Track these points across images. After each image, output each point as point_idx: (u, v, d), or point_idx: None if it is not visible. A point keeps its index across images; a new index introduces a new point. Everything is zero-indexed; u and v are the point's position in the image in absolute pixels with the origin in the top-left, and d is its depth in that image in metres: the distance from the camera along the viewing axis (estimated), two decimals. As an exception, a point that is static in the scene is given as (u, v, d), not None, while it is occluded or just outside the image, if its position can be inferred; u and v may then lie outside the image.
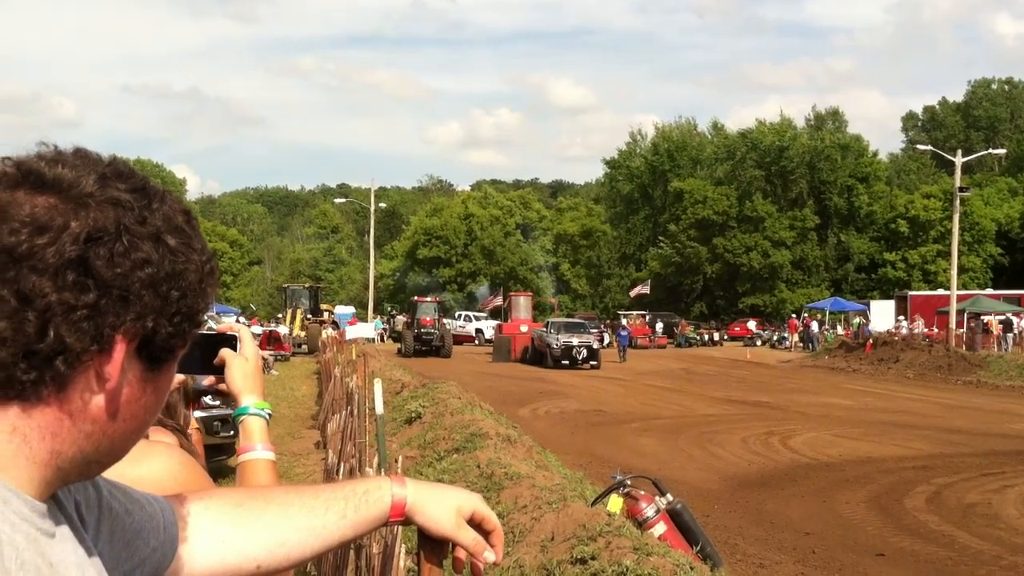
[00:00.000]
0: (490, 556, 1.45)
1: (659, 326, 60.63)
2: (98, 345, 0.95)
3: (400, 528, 3.71)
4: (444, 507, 1.44)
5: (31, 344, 0.92)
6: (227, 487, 1.67)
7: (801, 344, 53.92)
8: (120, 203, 0.97)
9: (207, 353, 1.78)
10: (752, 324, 63.41)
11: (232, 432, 8.62)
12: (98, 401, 0.97)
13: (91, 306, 0.93)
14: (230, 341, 1.79)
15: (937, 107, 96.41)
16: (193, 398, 3.22)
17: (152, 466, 1.69)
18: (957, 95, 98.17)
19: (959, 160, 44.73)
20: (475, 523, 1.46)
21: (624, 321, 58.60)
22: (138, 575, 1.19)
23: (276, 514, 1.37)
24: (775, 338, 58.69)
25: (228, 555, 1.32)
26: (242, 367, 1.81)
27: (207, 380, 1.94)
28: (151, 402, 1.05)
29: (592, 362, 38.38)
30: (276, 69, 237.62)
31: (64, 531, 1.00)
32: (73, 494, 1.08)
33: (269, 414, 1.87)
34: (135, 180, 1.01)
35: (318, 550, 1.42)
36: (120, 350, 0.96)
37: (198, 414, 6.89)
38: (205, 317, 1.08)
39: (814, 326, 55.19)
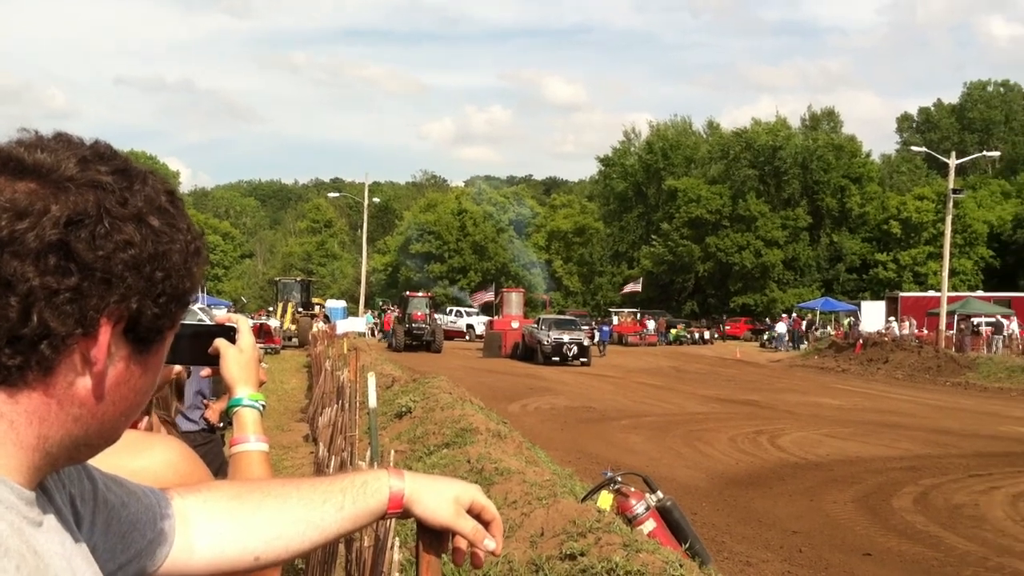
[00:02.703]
0: (490, 544, 1.46)
1: (651, 324, 60.67)
2: (83, 328, 0.94)
3: (393, 521, 3.72)
4: (442, 497, 1.44)
5: (15, 329, 0.92)
6: (224, 480, 1.67)
7: (791, 343, 54.08)
8: (101, 185, 0.96)
9: (204, 344, 1.78)
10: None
11: None
12: (85, 384, 0.97)
13: (74, 289, 0.93)
14: (228, 332, 1.79)
15: (932, 108, 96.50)
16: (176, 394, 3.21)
17: (152, 458, 1.69)
18: (952, 97, 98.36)
19: (953, 162, 44.85)
20: (474, 513, 1.46)
21: (616, 319, 58.72)
22: (134, 567, 1.20)
23: (273, 507, 1.37)
24: (765, 337, 58.76)
25: (226, 548, 1.32)
26: (237, 358, 1.80)
27: (204, 371, 1.94)
28: (141, 384, 1.04)
29: (582, 359, 38.37)
30: (270, 63, 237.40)
31: (51, 521, 1.00)
32: (68, 487, 1.08)
33: (263, 405, 1.87)
34: (117, 162, 1.00)
35: (317, 542, 1.42)
36: (105, 333, 0.96)
37: None
38: (193, 297, 1.07)
39: (779, 327, 55.48)
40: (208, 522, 1.32)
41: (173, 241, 1.01)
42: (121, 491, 1.19)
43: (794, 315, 61.55)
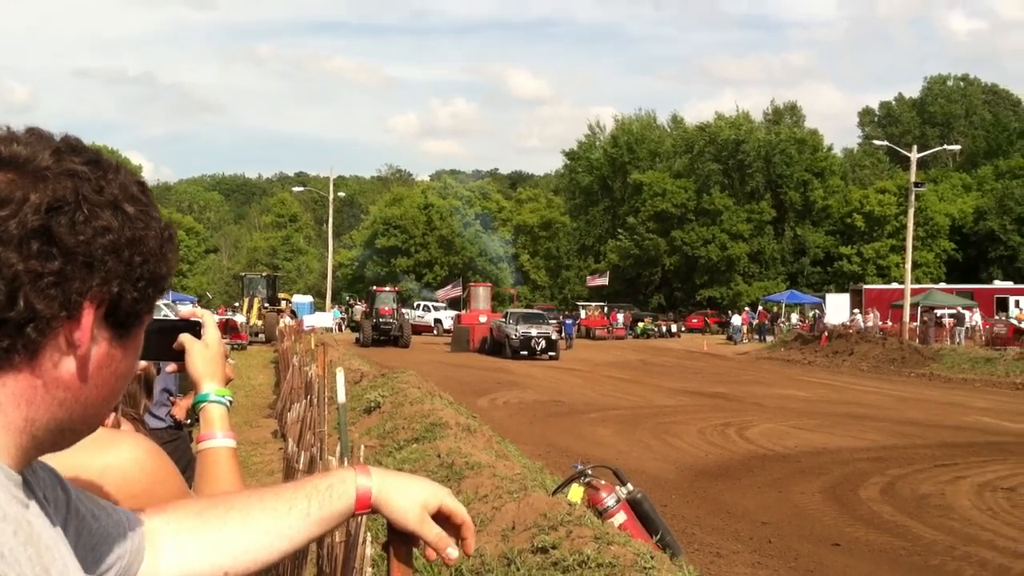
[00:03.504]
0: (452, 553, 1.44)
1: (620, 317, 60.90)
2: (67, 311, 0.97)
3: (364, 517, 3.68)
4: (409, 501, 1.42)
5: (2, 313, 0.94)
6: (187, 499, 1.63)
7: (757, 336, 54.50)
8: (77, 174, 1.00)
9: (169, 339, 1.74)
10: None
11: None
12: (69, 367, 1.00)
13: (57, 273, 0.96)
14: (194, 327, 1.76)
15: (893, 103, 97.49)
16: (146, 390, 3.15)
17: (119, 454, 1.65)
18: (913, 91, 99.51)
19: (914, 155, 45.28)
20: (442, 517, 1.44)
21: (583, 313, 58.96)
22: None
23: (238, 520, 1.36)
24: (731, 330, 59.22)
25: (194, 565, 1.31)
26: (202, 353, 1.77)
27: (170, 367, 1.90)
28: (121, 369, 1.07)
29: (551, 353, 38.47)
30: (233, 55, 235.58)
31: (35, 506, 1.01)
32: (43, 489, 1.08)
33: (230, 401, 1.83)
34: (89, 153, 1.04)
35: (286, 551, 1.41)
36: (88, 315, 0.99)
37: None
38: (168, 282, 1.11)
39: (735, 319, 56.10)
40: (172, 542, 1.31)
41: (148, 228, 1.05)
42: (92, 504, 1.19)
43: (760, 308, 61.97)
